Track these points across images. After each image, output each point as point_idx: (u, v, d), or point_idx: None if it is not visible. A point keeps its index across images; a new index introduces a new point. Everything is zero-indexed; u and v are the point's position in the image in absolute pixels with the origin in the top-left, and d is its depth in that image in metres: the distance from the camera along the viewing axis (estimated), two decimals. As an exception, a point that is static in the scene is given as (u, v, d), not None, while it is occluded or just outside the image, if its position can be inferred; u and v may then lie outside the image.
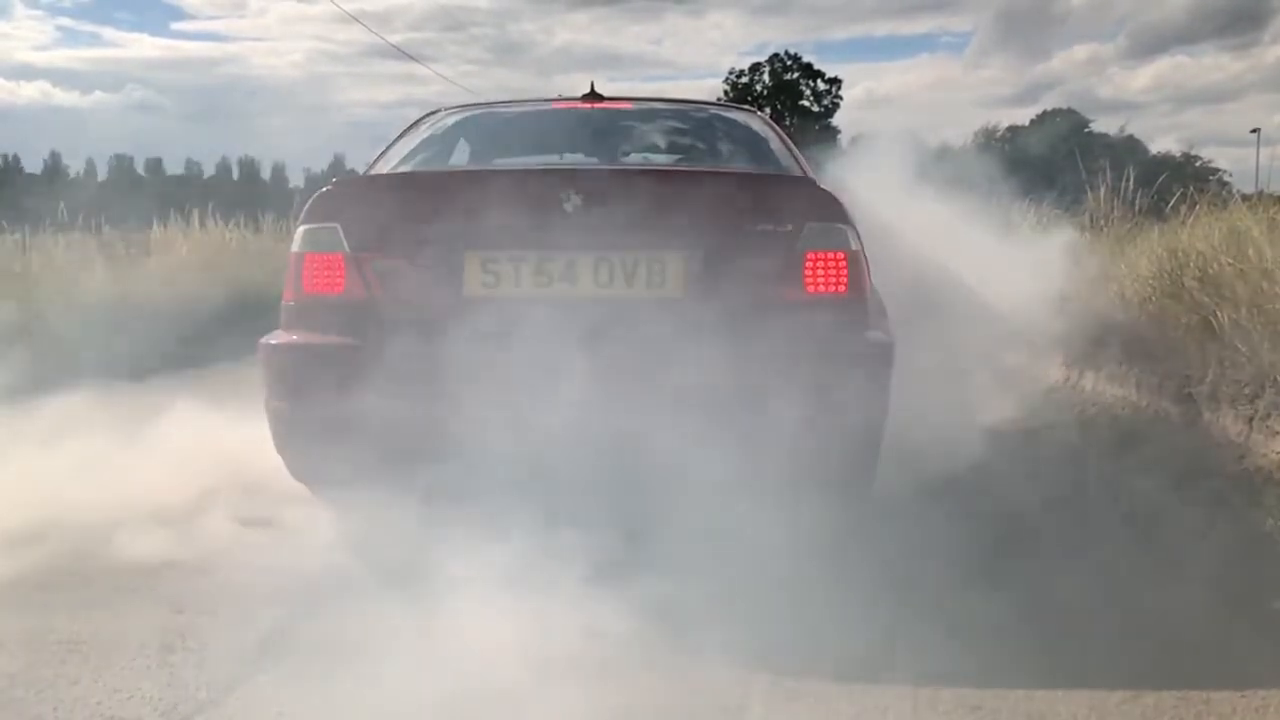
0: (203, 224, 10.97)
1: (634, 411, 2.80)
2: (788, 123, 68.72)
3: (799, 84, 68.91)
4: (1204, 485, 3.76)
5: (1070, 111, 53.14)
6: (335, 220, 3.11)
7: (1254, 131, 36.38)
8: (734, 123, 4.31)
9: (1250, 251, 4.62)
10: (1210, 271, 4.73)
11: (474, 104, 4.54)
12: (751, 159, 3.87)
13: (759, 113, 4.44)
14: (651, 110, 4.35)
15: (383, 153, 3.86)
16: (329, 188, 3.24)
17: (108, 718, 2.13)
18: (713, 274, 2.99)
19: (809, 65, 68.41)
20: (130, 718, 2.13)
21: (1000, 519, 3.52)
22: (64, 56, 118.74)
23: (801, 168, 3.69)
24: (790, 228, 3.03)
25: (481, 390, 2.84)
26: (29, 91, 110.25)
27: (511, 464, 2.78)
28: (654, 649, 2.40)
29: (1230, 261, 4.52)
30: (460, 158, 4.02)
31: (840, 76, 70.67)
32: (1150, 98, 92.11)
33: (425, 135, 4.00)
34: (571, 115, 4.27)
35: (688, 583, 2.64)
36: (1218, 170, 36.38)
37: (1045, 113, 54.70)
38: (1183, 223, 5.97)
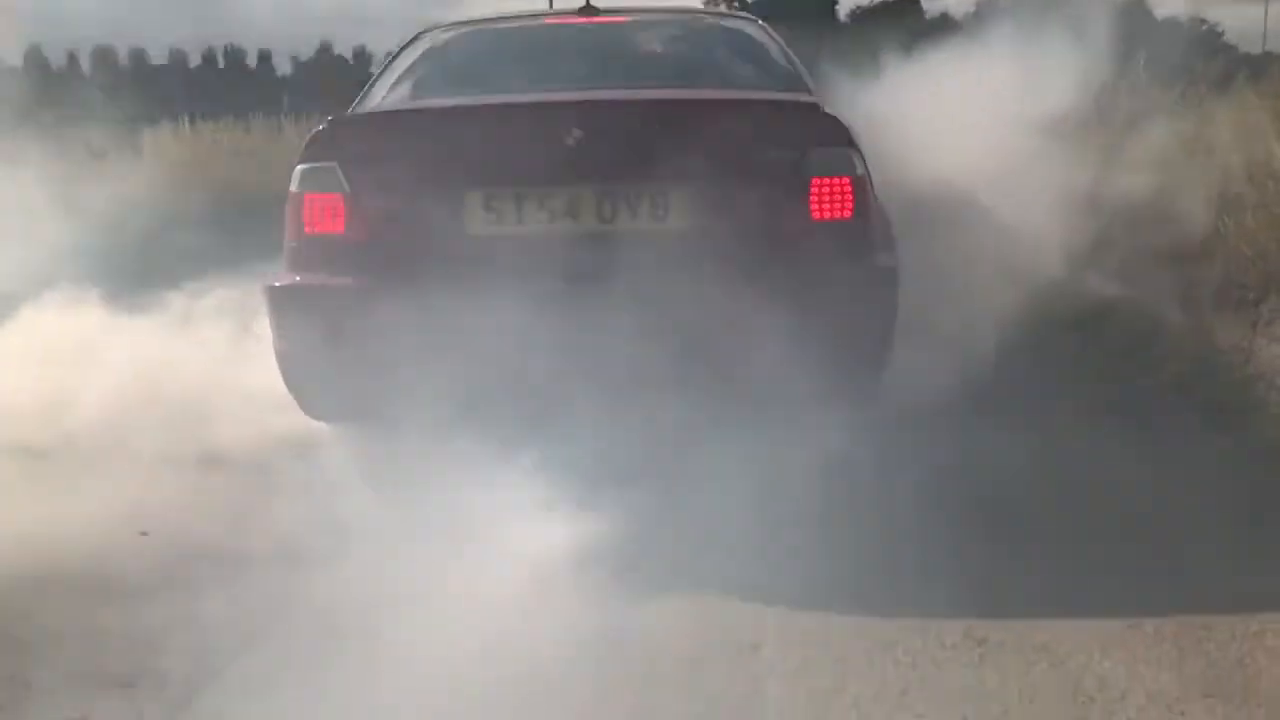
0: (194, 126, 10.81)
1: (639, 347, 2.76)
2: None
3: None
4: (1203, 391, 3.80)
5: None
6: (334, 159, 3.05)
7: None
8: (733, 35, 4.18)
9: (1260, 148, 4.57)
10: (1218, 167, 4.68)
11: (466, 21, 4.40)
12: (753, 77, 3.77)
13: (758, 21, 4.27)
14: (648, 23, 4.21)
15: (376, 77, 3.76)
16: (325, 126, 3.16)
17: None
18: (717, 204, 2.96)
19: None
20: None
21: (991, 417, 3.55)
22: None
23: (804, 83, 3.60)
24: (795, 154, 2.99)
25: (486, 327, 2.82)
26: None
27: (517, 397, 2.85)
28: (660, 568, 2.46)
29: (1239, 159, 4.44)
30: (456, 83, 3.83)
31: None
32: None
33: (418, 57, 3.90)
34: (567, 32, 4.16)
35: (695, 508, 2.70)
36: (1222, 33, 35.36)
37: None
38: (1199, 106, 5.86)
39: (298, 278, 3.10)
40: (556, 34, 4.21)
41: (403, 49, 4.00)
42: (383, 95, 3.65)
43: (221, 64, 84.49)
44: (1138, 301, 4.60)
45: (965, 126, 5.43)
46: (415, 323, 2.83)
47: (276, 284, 3.14)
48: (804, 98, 3.38)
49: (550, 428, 2.84)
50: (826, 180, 2.98)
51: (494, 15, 4.41)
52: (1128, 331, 4.49)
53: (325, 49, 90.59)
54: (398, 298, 2.87)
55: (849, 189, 2.98)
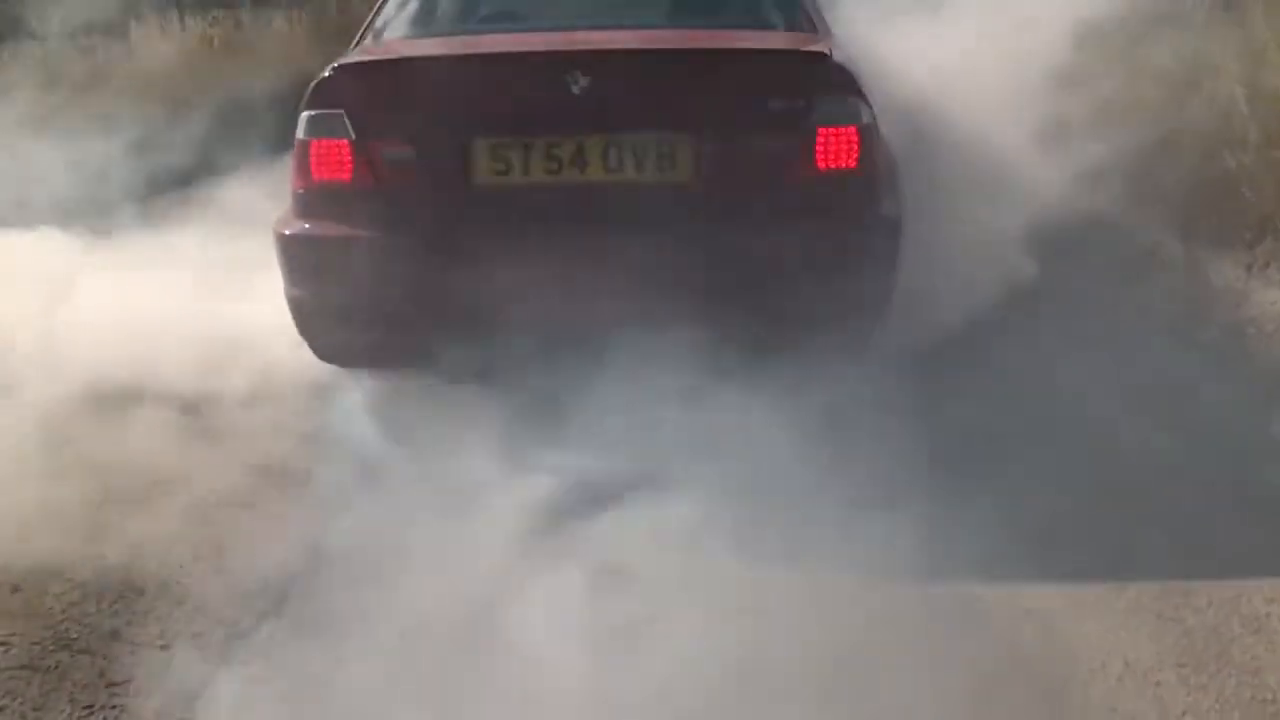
0: (183, 22, 10.58)
1: (644, 296, 2.82)
2: None
3: None
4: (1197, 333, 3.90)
5: None
6: (340, 106, 3.03)
7: None
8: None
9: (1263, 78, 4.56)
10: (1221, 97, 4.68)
11: None
12: (762, 15, 3.68)
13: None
14: None
15: (375, 13, 3.70)
16: (331, 73, 3.13)
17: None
18: (724, 154, 2.97)
19: None
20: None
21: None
22: None
23: (813, 21, 3.55)
24: (802, 103, 2.99)
25: (492, 274, 2.90)
26: None
27: (523, 342, 2.89)
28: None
29: (1244, 91, 4.43)
30: (462, 16, 3.81)
31: None
32: None
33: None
34: None
35: (697, 457, 2.76)
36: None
37: None
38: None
39: (307, 225, 3.14)
40: None
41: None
42: (386, 29, 3.60)
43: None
44: (1141, 233, 4.65)
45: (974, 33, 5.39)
46: (419, 269, 2.93)
47: (286, 231, 3.17)
48: (812, 45, 3.33)
49: (553, 370, 2.92)
50: (832, 130, 2.99)
51: None
52: (1127, 264, 4.56)
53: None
54: (403, 246, 2.96)
55: (855, 138, 2.99)
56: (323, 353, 3.29)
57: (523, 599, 2.28)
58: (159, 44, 10.01)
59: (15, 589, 2.48)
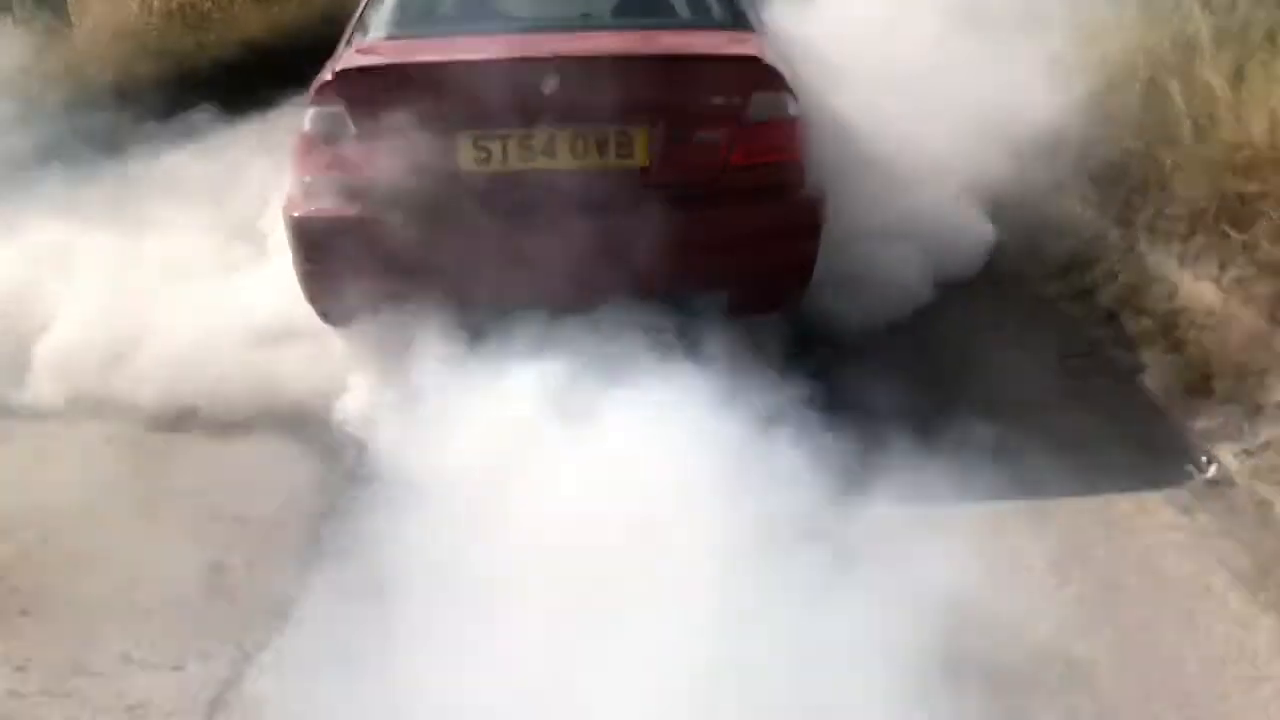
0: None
1: (604, 260, 3.28)
2: None
3: None
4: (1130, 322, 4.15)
5: None
6: (341, 104, 3.49)
7: None
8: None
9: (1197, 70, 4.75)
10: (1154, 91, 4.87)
11: None
12: (706, 17, 4.17)
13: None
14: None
15: (363, 9, 4.12)
16: (333, 76, 3.57)
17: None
18: (673, 143, 3.48)
19: None
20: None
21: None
22: None
23: (749, 23, 4.02)
24: (738, 100, 3.51)
25: (476, 248, 3.42)
26: None
27: (503, 305, 3.37)
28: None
29: (1180, 89, 4.63)
30: (443, 16, 4.28)
31: None
32: None
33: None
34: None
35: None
36: None
37: None
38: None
39: (313, 208, 3.56)
40: None
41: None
42: (375, 29, 4.00)
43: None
44: (1080, 222, 4.86)
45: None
46: (413, 246, 3.38)
47: (296, 213, 3.58)
48: (748, 48, 3.80)
49: (524, 321, 3.30)
50: (764, 122, 3.54)
51: None
52: (1068, 253, 4.77)
53: None
54: (398, 226, 3.40)
55: (782, 130, 3.57)
56: (326, 315, 3.69)
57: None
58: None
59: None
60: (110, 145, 6.24)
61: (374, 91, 3.49)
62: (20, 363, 3.92)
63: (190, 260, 4.51)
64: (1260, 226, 3.82)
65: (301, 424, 3.56)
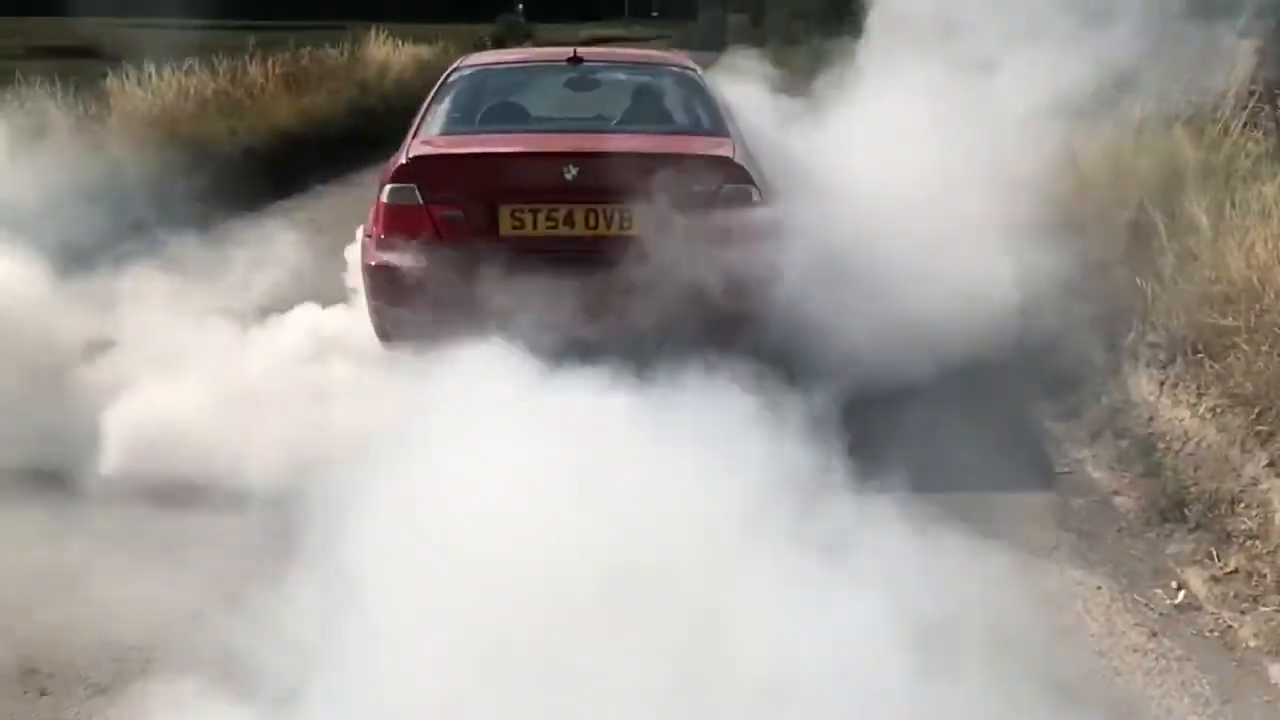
0: (159, 74, 10.77)
1: (605, 300, 4.18)
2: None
3: None
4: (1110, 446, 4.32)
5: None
6: (413, 182, 4.54)
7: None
8: (677, 81, 5.65)
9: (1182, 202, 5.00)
10: (1142, 220, 5.11)
11: (488, 60, 6.24)
12: (689, 121, 5.31)
13: (696, 72, 5.74)
14: (613, 65, 6.15)
15: (428, 107, 5.21)
16: (407, 161, 4.63)
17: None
18: (662, 219, 4.27)
19: None
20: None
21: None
22: None
23: (725, 127, 5.04)
24: (713, 188, 4.50)
25: (509, 291, 4.10)
26: None
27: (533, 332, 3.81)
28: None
29: (1164, 220, 4.87)
30: (487, 117, 5.35)
31: None
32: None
33: (456, 90, 5.42)
34: (560, 73, 5.73)
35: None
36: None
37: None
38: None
39: (386, 259, 4.50)
40: (553, 74, 5.84)
41: (443, 82, 5.49)
42: (436, 124, 5.09)
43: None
44: (1068, 345, 5.04)
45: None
46: (461, 289, 4.22)
47: (372, 263, 4.56)
48: (721, 149, 4.80)
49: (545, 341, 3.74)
50: (733, 207, 4.50)
51: (508, 55, 6.35)
52: (1055, 374, 4.96)
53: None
54: (451, 274, 4.29)
55: (748, 211, 4.51)
56: (386, 337, 4.65)
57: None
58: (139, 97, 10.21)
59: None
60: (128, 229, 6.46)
61: (437, 173, 4.59)
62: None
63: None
64: (1234, 358, 4.00)
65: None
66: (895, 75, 6.52)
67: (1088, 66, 5.84)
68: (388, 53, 16.84)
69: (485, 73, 5.78)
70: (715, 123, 5.12)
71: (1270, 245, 4.34)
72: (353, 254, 5.26)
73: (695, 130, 5.19)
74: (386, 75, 15.56)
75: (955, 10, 6.29)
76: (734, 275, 4.29)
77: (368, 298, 4.62)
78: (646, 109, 5.39)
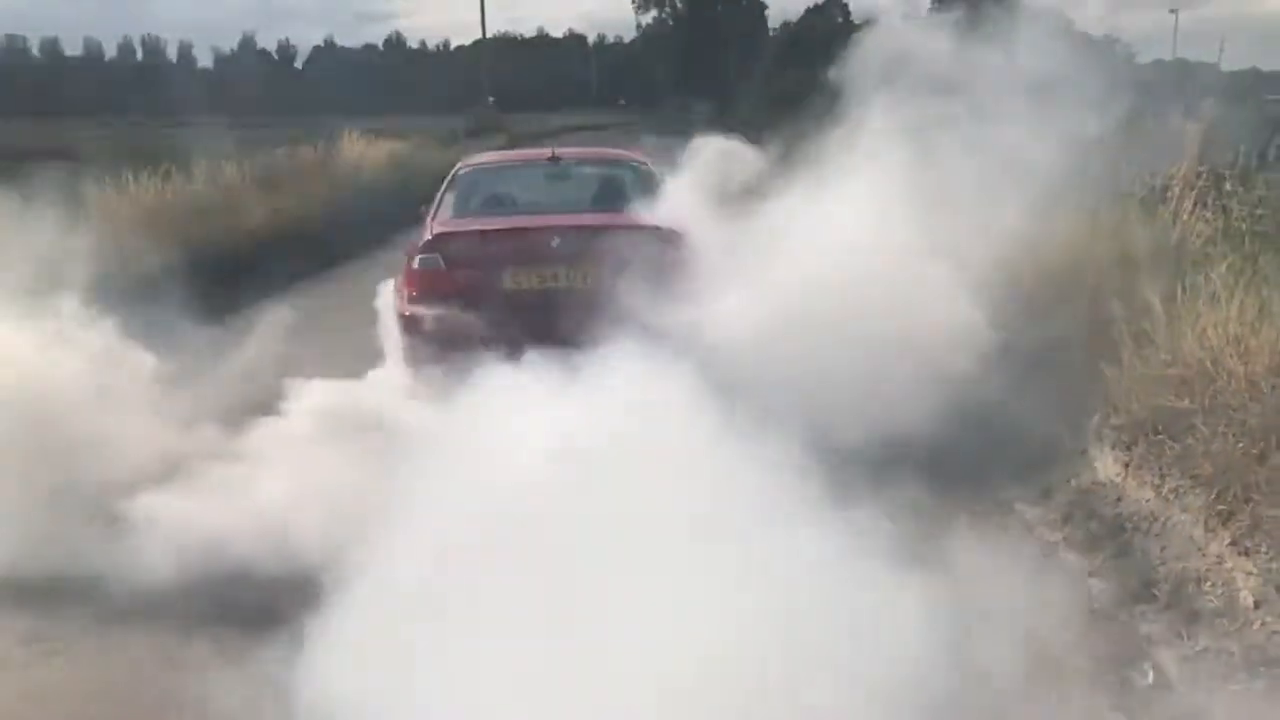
0: (136, 178, 10.95)
1: (576, 326, 4.98)
2: (717, 7, 68.01)
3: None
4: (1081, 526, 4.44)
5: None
6: (436, 252, 6.24)
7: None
8: (629, 171, 7.43)
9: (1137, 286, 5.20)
10: (1099, 304, 5.29)
11: (482, 160, 8.04)
12: (638, 199, 6.68)
13: (647, 164, 7.46)
14: (584, 162, 7.97)
15: (440, 198, 6.98)
16: (432, 237, 6.32)
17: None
18: (615, 274, 5.54)
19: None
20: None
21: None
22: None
23: (665, 204, 6.49)
24: (655, 252, 5.77)
25: (514, 328, 5.42)
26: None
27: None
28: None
29: (1120, 305, 5.05)
30: (488, 204, 7.11)
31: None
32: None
33: (461, 183, 7.21)
34: (542, 169, 7.61)
35: None
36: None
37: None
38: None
39: (416, 310, 6.07)
40: (536, 170, 7.73)
41: (452, 177, 7.28)
42: (449, 210, 6.87)
43: (139, 55, 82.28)
44: (1036, 428, 5.18)
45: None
46: (474, 328, 5.75)
47: (405, 313, 6.14)
48: (661, 222, 6.22)
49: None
50: (667, 265, 5.74)
51: (499, 156, 9.16)
52: (1025, 458, 5.09)
53: (248, 41, 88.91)
54: (467, 318, 5.87)
55: (678, 267, 5.80)
56: (414, 367, 5.98)
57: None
58: (117, 203, 10.36)
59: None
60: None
61: (455, 245, 6.24)
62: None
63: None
64: (1192, 439, 4.15)
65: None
66: (854, 159, 6.70)
67: (1046, 148, 6.00)
68: (361, 150, 17.13)
69: (483, 170, 7.59)
70: (658, 198, 6.69)
71: (1221, 329, 4.51)
72: (382, 305, 6.72)
73: (642, 204, 6.64)
74: (360, 173, 15.84)
75: (916, 92, 6.49)
76: (663, 301, 5.45)
77: (402, 336, 6.16)
78: (608, 193, 7.03)
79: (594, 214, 6.65)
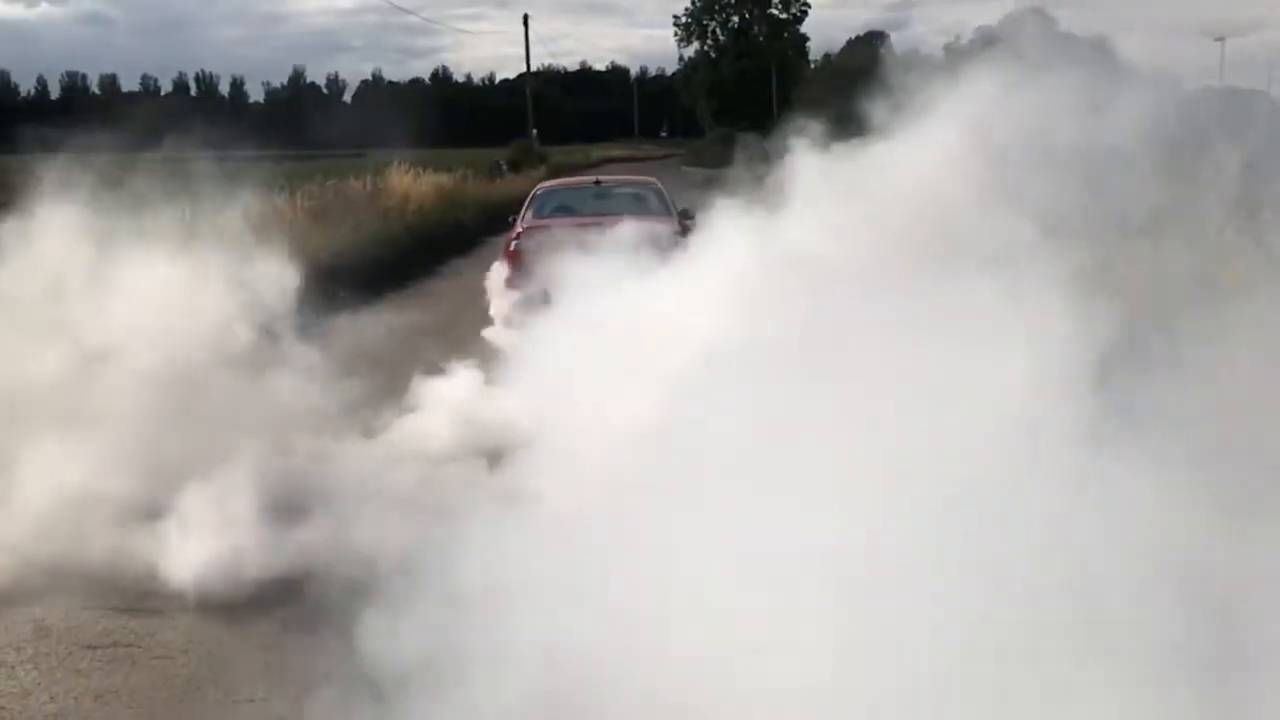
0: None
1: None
2: (755, 30, 68.46)
3: (767, -9, 68.07)
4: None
5: (1037, 11, 52.32)
6: (525, 240, 9.64)
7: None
8: (648, 189, 11.41)
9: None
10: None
11: (551, 185, 12.42)
12: (652, 207, 10.69)
13: (658, 185, 11.42)
14: (620, 185, 11.93)
15: (526, 208, 10.80)
16: (522, 230, 10.05)
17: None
18: (638, 241, 7.51)
19: (777, -28, 67.50)
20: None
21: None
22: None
23: (669, 210, 10.50)
24: (663, 232, 8.79)
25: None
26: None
27: None
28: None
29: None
30: (555, 209, 10.76)
31: (808, -17, 69.63)
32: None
33: (539, 199, 11.04)
34: (589, 189, 11.69)
35: None
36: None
37: (1012, 13, 53.93)
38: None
39: (514, 276, 9.25)
40: (586, 190, 11.77)
41: (532, 195, 11.21)
42: (530, 215, 10.55)
43: (193, 90, 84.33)
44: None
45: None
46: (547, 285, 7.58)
47: (503, 280, 9.42)
48: (666, 222, 9.80)
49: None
50: (661, 240, 8.09)
51: (562, 181, 14.33)
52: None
53: (298, 76, 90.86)
54: (544, 280, 7.72)
55: (675, 236, 8.85)
56: (504, 324, 9.00)
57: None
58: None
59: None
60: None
61: (535, 235, 9.50)
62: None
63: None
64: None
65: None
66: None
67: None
68: (409, 183, 17.43)
69: (552, 189, 11.93)
70: (662, 209, 10.64)
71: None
72: (489, 283, 9.83)
73: (652, 213, 10.32)
74: (408, 205, 16.12)
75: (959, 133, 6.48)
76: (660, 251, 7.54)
77: (505, 293, 9.17)
78: (632, 204, 10.70)
79: (620, 216, 9.23)
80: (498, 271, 9.76)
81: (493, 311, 9.48)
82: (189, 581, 4.24)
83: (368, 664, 3.22)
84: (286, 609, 4.10)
